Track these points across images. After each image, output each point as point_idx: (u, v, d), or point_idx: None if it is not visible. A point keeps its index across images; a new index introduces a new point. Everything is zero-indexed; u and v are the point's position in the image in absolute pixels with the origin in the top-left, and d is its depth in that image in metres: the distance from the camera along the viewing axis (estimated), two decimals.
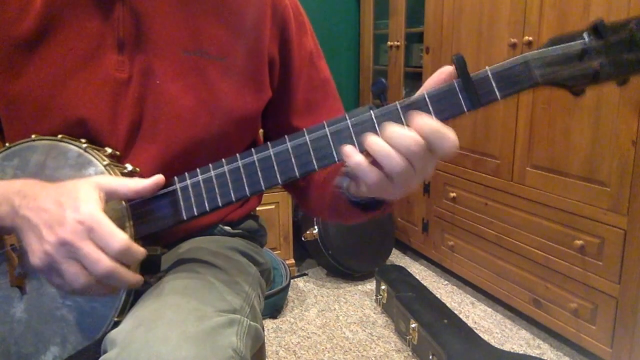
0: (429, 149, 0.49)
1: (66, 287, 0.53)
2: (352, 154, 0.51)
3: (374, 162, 0.51)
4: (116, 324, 0.56)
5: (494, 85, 0.51)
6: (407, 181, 0.51)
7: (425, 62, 2.28)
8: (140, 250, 0.54)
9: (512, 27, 1.78)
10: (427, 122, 0.49)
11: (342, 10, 2.81)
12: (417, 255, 2.54)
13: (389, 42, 2.52)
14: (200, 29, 0.69)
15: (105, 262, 0.50)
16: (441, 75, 0.53)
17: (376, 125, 0.53)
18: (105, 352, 0.53)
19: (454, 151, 0.49)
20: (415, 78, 2.46)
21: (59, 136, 0.64)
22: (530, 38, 1.70)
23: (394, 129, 0.50)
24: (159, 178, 0.58)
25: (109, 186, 0.56)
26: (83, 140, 0.64)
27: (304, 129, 0.55)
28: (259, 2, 0.73)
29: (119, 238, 0.51)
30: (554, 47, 0.51)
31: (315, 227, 2.27)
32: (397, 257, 2.57)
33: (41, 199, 0.54)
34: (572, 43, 0.51)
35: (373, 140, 0.50)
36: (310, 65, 0.78)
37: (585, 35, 0.51)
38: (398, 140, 0.49)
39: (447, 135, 0.49)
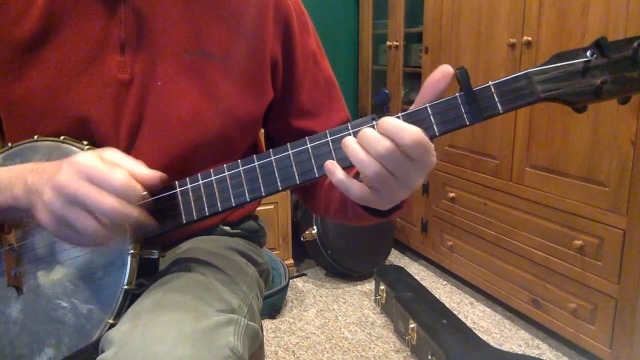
0: (401, 152, 0.48)
1: (81, 239, 0.52)
2: (334, 171, 0.51)
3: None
4: (111, 327, 0.56)
5: (496, 99, 0.51)
6: (390, 189, 0.50)
7: (424, 62, 2.27)
8: (137, 186, 0.52)
9: (511, 27, 1.78)
10: (386, 121, 0.48)
11: (341, 10, 2.81)
12: (416, 255, 2.54)
13: (388, 42, 2.52)
14: (202, 29, 0.69)
15: (108, 199, 0.50)
16: (435, 75, 0.52)
17: None
18: (102, 351, 0.52)
19: (419, 147, 0.47)
20: (414, 78, 2.46)
21: (61, 137, 0.64)
22: (529, 38, 1.70)
23: (364, 131, 0.49)
24: (162, 175, 0.56)
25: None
26: (85, 142, 0.64)
27: (306, 137, 0.55)
28: (261, 3, 0.72)
29: (118, 175, 0.50)
30: (557, 63, 0.52)
31: (314, 227, 2.27)
32: (396, 257, 2.56)
33: (48, 169, 0.54)
34: (575, 60, 0.51)
35: (347, 143, 0.50)
36: (314, 65, 0.78)
37: (588, 52, 0.51)
38: (367, 142, 0.48)
39: (407, 129, 0.47)
